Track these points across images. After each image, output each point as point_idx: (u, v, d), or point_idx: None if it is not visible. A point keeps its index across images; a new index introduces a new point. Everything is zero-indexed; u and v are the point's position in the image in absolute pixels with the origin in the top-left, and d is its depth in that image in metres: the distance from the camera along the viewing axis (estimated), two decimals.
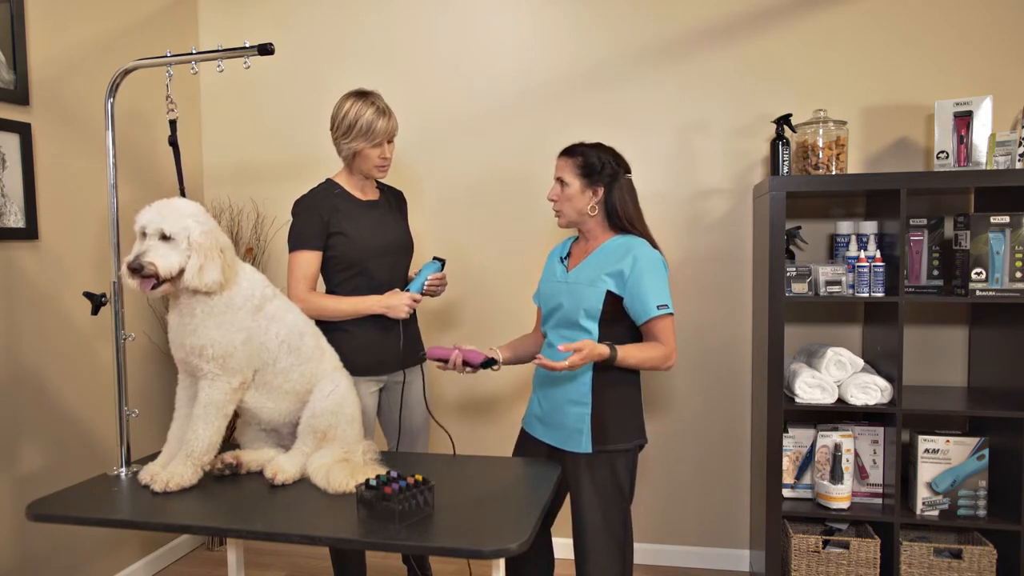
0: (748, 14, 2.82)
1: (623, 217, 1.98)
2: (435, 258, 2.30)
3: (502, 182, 3.04)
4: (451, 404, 3.14)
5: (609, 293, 1.92)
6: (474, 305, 3.09)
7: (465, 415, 3.13)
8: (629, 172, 2.01)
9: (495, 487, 1.77)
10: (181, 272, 1.73)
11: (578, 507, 1.96)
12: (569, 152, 2.01)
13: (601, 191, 1.97)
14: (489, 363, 2.04)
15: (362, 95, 2.20)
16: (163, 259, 1.70)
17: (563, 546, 2.88)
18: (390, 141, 2.23)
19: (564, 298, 2.00)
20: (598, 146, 2.00)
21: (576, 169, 1.98)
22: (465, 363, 2.01)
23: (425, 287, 2.25)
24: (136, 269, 1.69)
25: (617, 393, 1.96)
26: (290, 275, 2.19)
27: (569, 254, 2.10)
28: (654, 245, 1.99)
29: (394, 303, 2.18)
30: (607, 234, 2.01)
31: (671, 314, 1.92)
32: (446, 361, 2.02)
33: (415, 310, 2.34)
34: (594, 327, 1.95)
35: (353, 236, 2.20)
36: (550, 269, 2.12)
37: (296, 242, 2.20)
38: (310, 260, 2.19)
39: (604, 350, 1.85)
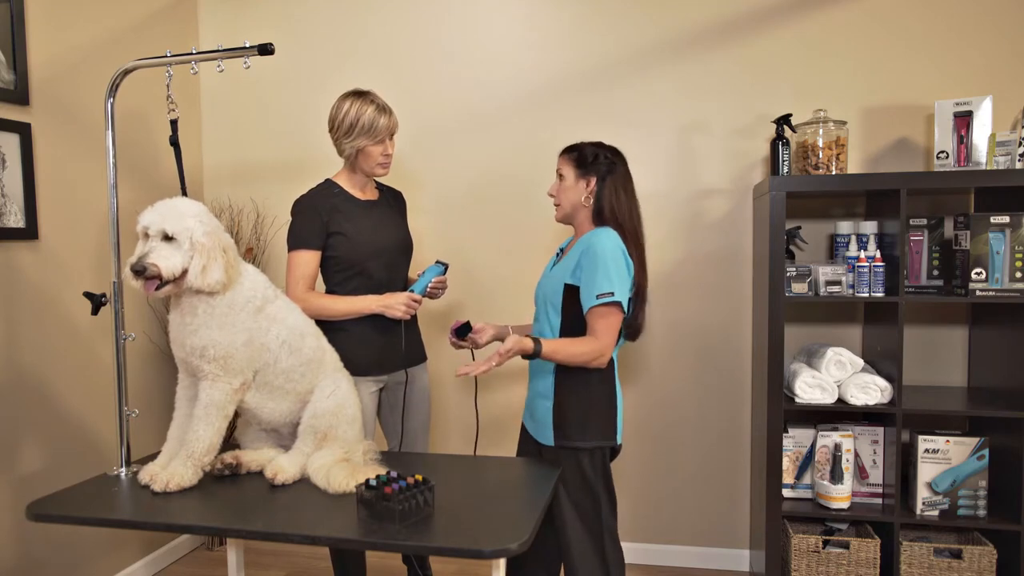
0: (748, 14, 2.82)
1: (607, 210, 1.98)
2: (438, 261, 2.30)
3: (502, 182, 3.04)
4: (453, 403, 3.14)
5: (567, 285, 1.95)
6: (474, 304, 3.09)
7: (467, 414, 3.13)
8: (625, 166, 2.03)
9: (495, 487, 1.77)
10: (184, 273, 1.73)
11: (555, 503, 2.00)
12: (567, 149, 2.07)
13: (593, 181, 2.00)
14: (465, 329, 2.12)
15: (360, 94, 2.22)
16: (166, 260, 1.70)
17: None
18: (391, 138, 2.25)
19: (540, 291, 2.06)
20: (597, 143, 2.05)
21: (571, 162, 2.04)
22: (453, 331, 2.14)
23: (428, 290, 2.25)
24: (139, 271, 1.69)
25: (580, 389, 1.96)
26: (289, 275, 2.19)
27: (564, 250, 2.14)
28: (638, 242, 1.97)
29: (391, 303, 2.18)
30: (590, 227, 2.04)
31: (615, 305, 1.87)
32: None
33: (416, 311, 2.35)
34: (556, 320, 1.98)
35: (353, 236, 2.20)
36: (548, 265, 2.17)
37: (295, 242, 2.20)
38: (309, 260, 2.19)
39: (527, 345, 1.85)
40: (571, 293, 1.95)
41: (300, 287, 2.18)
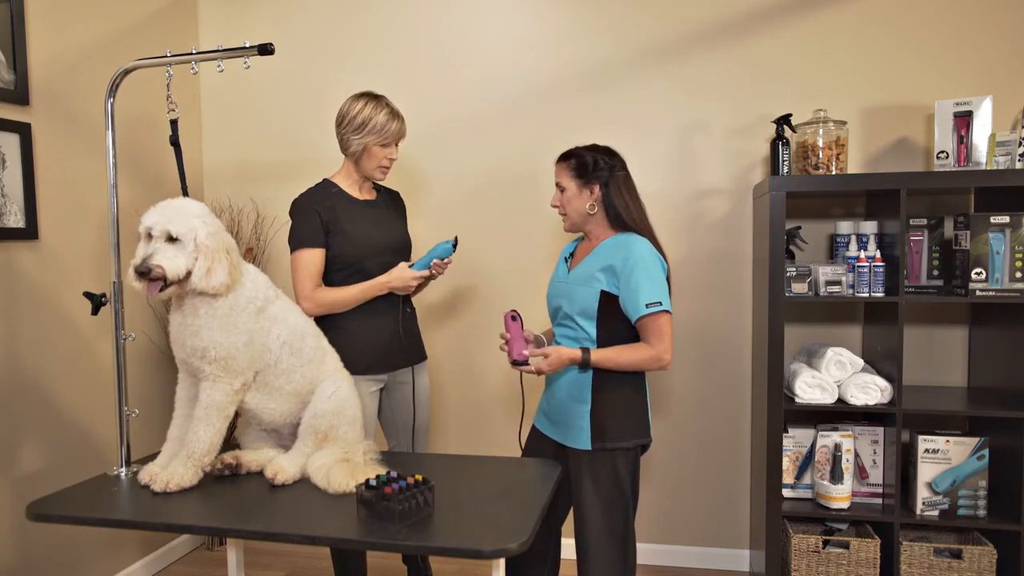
0: (748, 15, 2.82)
1: (623, 214, 1.99)
2: (450, 241, 2.25)
3: (503, 182, 3.04)
4: (452, 403, 3.14)
5: (603, 292, 1.94)
6: (476, 303, 3.09)
7: (467, 414, 3.13)
8: (624, 168, 2.02)
9: (495, 487, 1.77)
10: (188, 274, 1.73)
11: (579, 504, 1.98)
12: (563, 157, 2.04)
13: (597, 189, 1.99)
14: (521, 364, 1.97)
15: (374, 97, 2.24)
16: (170, 261, 1.69)
17: (566, 546, 2.88)
18: (397, 144, 2.27)
19: (563, 299, 2.03)
20: (591, 147, 2.03)
21: (570, 171, 2.01)
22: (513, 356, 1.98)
23: (431, 266, 2.23)
24: (143, 272, 1.68)
25: (618, 391, 1.97)
26: (295, 275, 2.19)
27: (573, 254, 2.12)
28: (655, 241, 1.99)
29: (403, 276, 2.19)
30: (607, 233, 2.03)
31: (666, 312, 1.90)
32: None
33: (414, 309, 2.35)
34: (591, 327, 1.97)
35: (351, 235, 2.21)
36: (557, 269, 2.15)
37: (297, 242, 2.20)
38: (313, 258, 2.19)
39: (575, 354, 1.89)
40: (608, 301, 1.94)
41: (308, 285, 2.18)
